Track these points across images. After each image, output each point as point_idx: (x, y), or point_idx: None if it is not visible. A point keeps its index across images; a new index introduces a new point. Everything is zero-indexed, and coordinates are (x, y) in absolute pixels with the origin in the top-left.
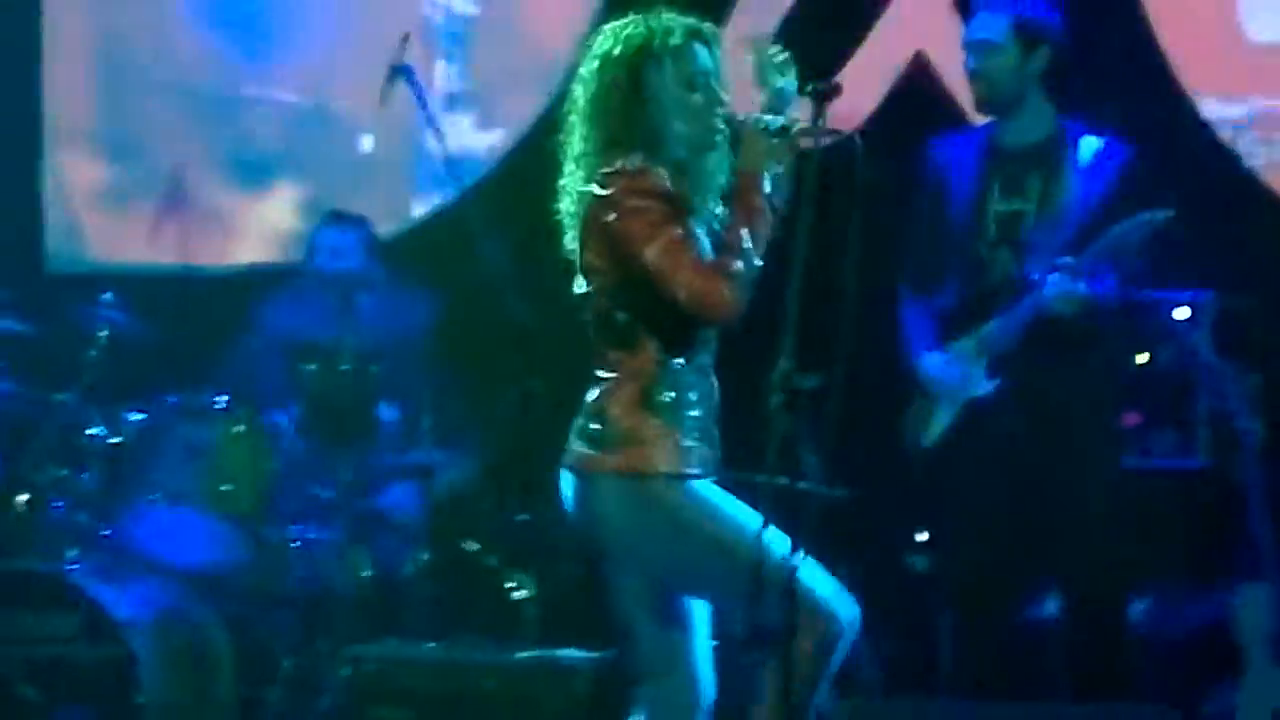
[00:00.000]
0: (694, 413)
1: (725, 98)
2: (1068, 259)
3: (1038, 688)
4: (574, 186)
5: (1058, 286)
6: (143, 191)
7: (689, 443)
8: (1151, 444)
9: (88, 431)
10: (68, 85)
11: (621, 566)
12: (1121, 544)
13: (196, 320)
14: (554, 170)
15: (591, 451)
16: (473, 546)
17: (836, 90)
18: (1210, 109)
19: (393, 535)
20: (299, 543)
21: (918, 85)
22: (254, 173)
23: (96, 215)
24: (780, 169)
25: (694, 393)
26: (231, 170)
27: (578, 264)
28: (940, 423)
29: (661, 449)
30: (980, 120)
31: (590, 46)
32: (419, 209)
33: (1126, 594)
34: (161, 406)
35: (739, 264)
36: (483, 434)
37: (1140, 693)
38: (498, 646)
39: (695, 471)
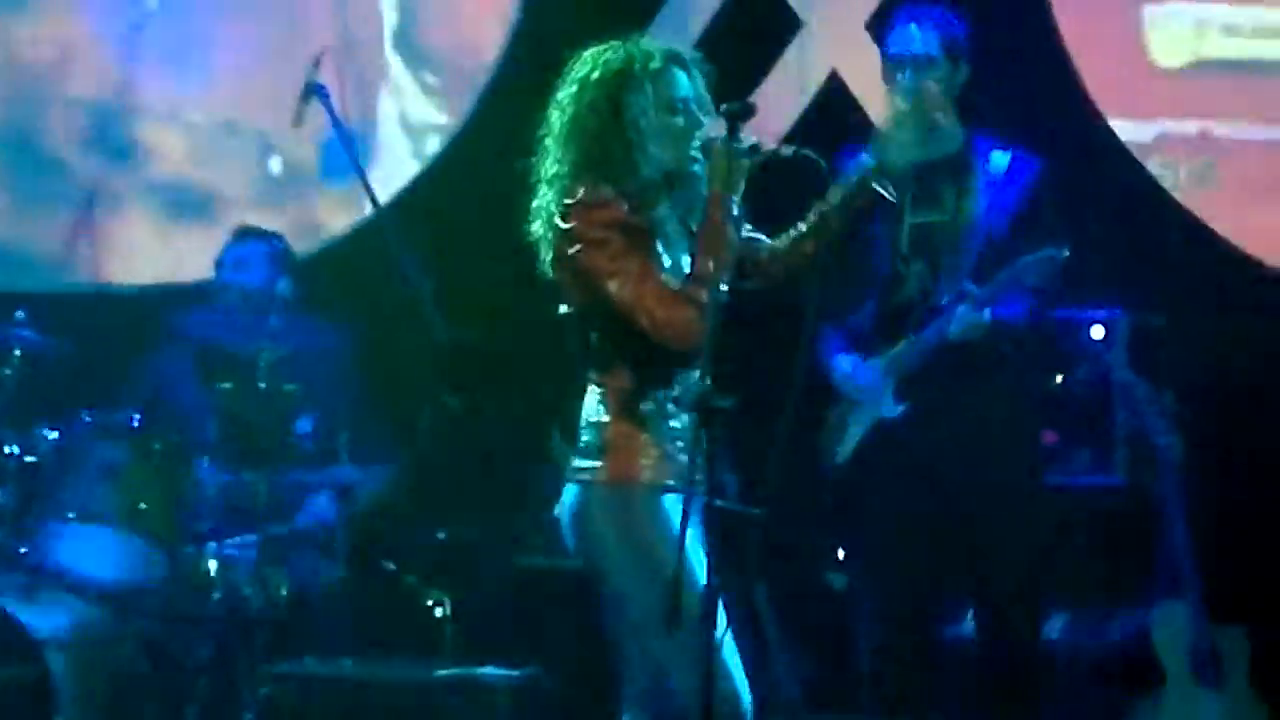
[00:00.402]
0: (674, 423)
1: (706, 122)
2: (972, 288)
3: (956, 705)
4: (546, 208)
5: (963, 318)
6: (52, 211)
7: (670, 450)
8: (1069, 461)
9: (2, 450)
10: None
11: (602, 577)
12: (1039, 561)
13: (110, 338)
14: (469, 188)
15: (581, 461)
16: (390, 565)
17: (751, 110)
18: (1117, 131)
19: (310, 553)
20: (215, 561)
21: (833, 103)
22: (166, 193)
23: (6, 234)
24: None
25: (673, 405)
26: (143, 190)
27: (558, 285)
28: (853, 437)
29: (644, 458)
30: None
31: (568, 71)
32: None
33: (1043, 611)
34: (76, 425)
35: (704, 292)
36: (400, 451)
37: (1059, 709)
38: (417, 664)
39: (673, 484)
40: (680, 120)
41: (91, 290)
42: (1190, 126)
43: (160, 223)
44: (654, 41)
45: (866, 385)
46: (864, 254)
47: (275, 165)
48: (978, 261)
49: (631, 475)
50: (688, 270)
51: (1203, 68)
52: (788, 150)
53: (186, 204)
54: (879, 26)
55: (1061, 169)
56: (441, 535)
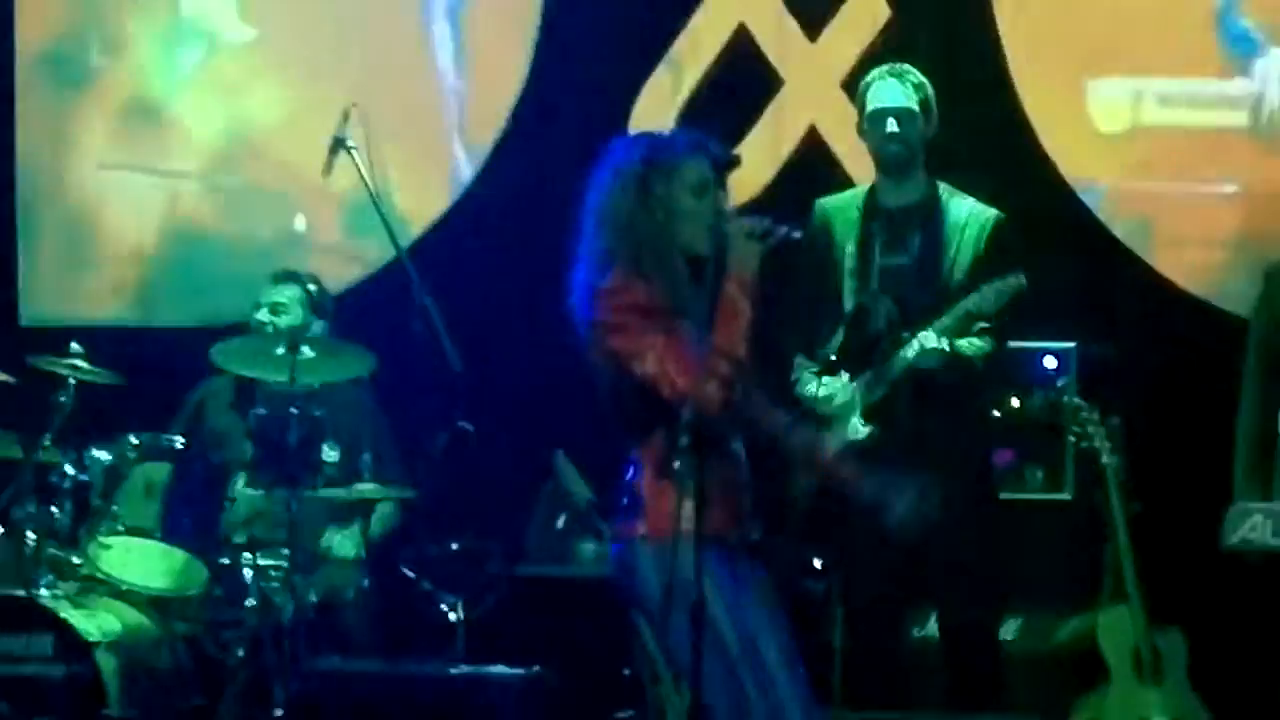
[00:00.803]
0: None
1: (727, 204)
2: (936, 321)
3: (921, 701)
4: (581, 289)
5: (924, 347)
6: (106, 256)
7: (704, 514)
8: (1023, 478)
9: (59, 469)
10: (36, 166)
11: (653, 619)
12: (995, 569)
13: (155, 370)
14: (479, 235)
15: (625, 521)
16: (409, 573)
17: (736, 161)
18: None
19: (336, 563)
20: (250, 570)
21: (811, 155)
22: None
23: (65, 275)
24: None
25: (713, 471)
26: (184, 239)
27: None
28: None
29: (679, 512)
30: (864, 183)
31: (602, 156)
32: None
33: (1000, 614)
34: (124, 447)
35: (724, 363)
36: (417, 471)
37: (1013, 704)
38: (432, 663)
39: (704, 534)
40: (697, 205)
41: (140, 324)
42: (1130, 183)
43: (197, 268)
44: (680, 130)
45: (836, 409)
46: (831, 297)
47: (300, 222)
48: (940, 301)
49: (668, 529)
50: (713, 343)
51: (1140, 132)
52: (797, 233)
53: (219, 253)
54: (855, 85)
55: (1019, 218)
56: (455, 546)
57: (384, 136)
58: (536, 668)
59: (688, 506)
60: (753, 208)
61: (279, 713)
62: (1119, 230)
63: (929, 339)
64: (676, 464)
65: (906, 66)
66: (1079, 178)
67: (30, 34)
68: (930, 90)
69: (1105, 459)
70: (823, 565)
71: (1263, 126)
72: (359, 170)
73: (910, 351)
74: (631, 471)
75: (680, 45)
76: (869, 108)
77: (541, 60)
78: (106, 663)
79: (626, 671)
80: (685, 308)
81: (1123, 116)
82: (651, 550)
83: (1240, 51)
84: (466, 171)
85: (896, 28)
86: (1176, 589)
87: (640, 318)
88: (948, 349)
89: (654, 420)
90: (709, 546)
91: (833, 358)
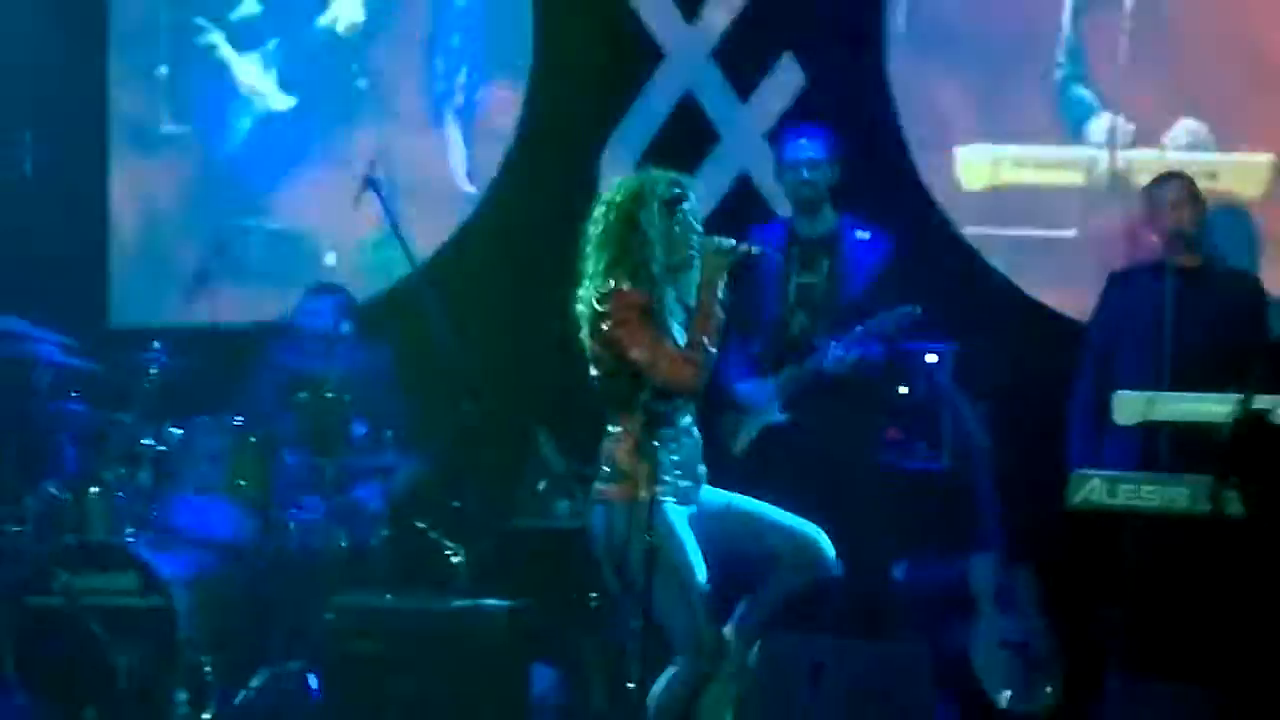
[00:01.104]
0: (675, 457)
1: (699, 229)
2: (847, 334)
3: (828, 627)
4: (588, 297)
5: (835, 355)
6: (178, 273)
7: (668, 478)
8: (909, 451)
9: (141, 441)
10: (123, 205)
11: (627, 565)
12: (887, 523)
13: (220, 361)
14: (484, 258)
15: (603, 485)
16: (420, 525)
17: (684, 197)
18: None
19: (363, 517)
20: (294, 523)
21: (742, 194)
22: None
23: (146, 287)
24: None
25: (674, 443)
26: (240, 266)
27: (588, 352)
28: (747, 436)
29: (647, 482)
30: (784, 215)
31: (601, 194)
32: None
33: (892, 557)
34: (194, 424)
35: (700, 354)
36: (428, 443)
37: (901, 632)
38: (438, 597)
39: (670, 499)
40: (679, 230)
41: (207, 326)
42: (991, 229)
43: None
44: (660, 171)
45: (759, 400)
46: (757, 306)
47: (330, 258)
48: (843, 313)
49: (638, 494)
50: (686, 338)
51: (998, 189)
52: (757, 249)
53: (267, 276)
54: (776, 139)
55: (908, 248)
56: (457, 504)
57: (401, 178)
58: (522, 600)
59: (654, 472)
60: None
61: (317, 638)
62: (987, 261)
63: (839, 350)
64: (652, 442)
65: (816, 126)
66: (953, 221)
67: (118, 102)
68: (834, 146)
69: (975, 437)
70: None
71: (1094, 183)
72: (383, 202)
73: (823, 359)
74: (610, 446)
75: (639, 106)
76: (785, 159)
77: (526, 124)
78: (180, 597)
79: (593, 600)
80: (667, 308)
81: (983, 176)
82: (627, 509)
83: (1076, 116)
84: (467, 209)
85: (811, 93)
86: (1029, 537)
87: (637, 315)
88: (851, 359)
89: (637, 398)
90: (672, 501)
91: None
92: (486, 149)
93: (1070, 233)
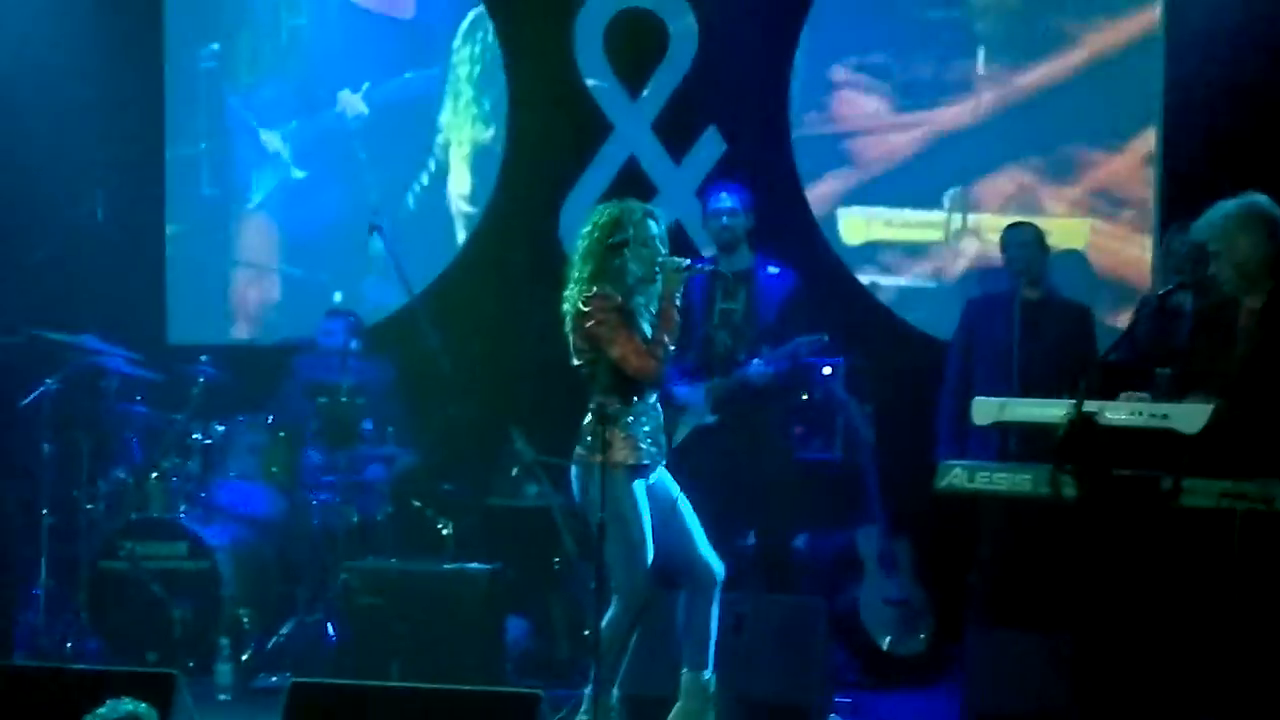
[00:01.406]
0: (645, 428)
1: (664, 250)
2: (768, 352)
3: (743, 586)
4: (574, 298)
5: (756, 370)
6: (225, 302)
7: (641, 446)
8: (809, 445)
9: (191, 436)
10: (178, 244)
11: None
12: (791, 502)
13: (255, 371)
14: (468, 289)
15: (584, 452)
16: (417, 503)
17: (628, 240)
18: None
19: (370, 497)
20: (315, 502)
21: (676, 239)
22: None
23: (196, 312)
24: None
25: (644, 417)
26: (269, 300)
27: (570, 344)
28: (683, 431)
29: (623, 450)
30: (712, 254)
31: (588, 218)
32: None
33: (795, 530)
34: (235, 423)
35: (660, 349)
36: (422, 438)
37: (803, 590)
38: (432, 561)
39: (645, 463)
40: (647, 250)
41: (245, 344)
42: (872, 276)
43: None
44: (636, 202)
45: (693, 403)
46: (689, 326)
47: (337, 296)
48: (758, 334)
49: (613, 460)
50: (651, 336)
51: (874, 244)
52: (709, 266)
53: (290, 310)
54: (703, 193)
55: (811, 283)
56: (447, 486)
57: (399, 223)
58: (497, 564)
59: (628, 447)
60: None
61: (333, 594)
62: (871, 294)
63: (758, 366)
64: (625, 417)
65: (735, 183)
66: (844, 264)
67: (172, 166)
68: (748, 200)
69: (862, 432)
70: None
71: (949, 239)
72: (385, 244)
73: (747, 371)
74: (591, 420)
75: (593, 168)
76: (709, 209)
77: (502, 182)
78: (224, 562)
79: (555, 564)
80: (638, 312)
81: (861, 233)
82: (599, 470)
83: (934, 185)
84: (457, 243)
85: (730, 158)
86: (907, 513)
87: (614, 316)
88: (771, 372)
89: (611, 383)
90: (638, 471)
91: (690, 368)
92: (469, 195)
93: (930, 272)
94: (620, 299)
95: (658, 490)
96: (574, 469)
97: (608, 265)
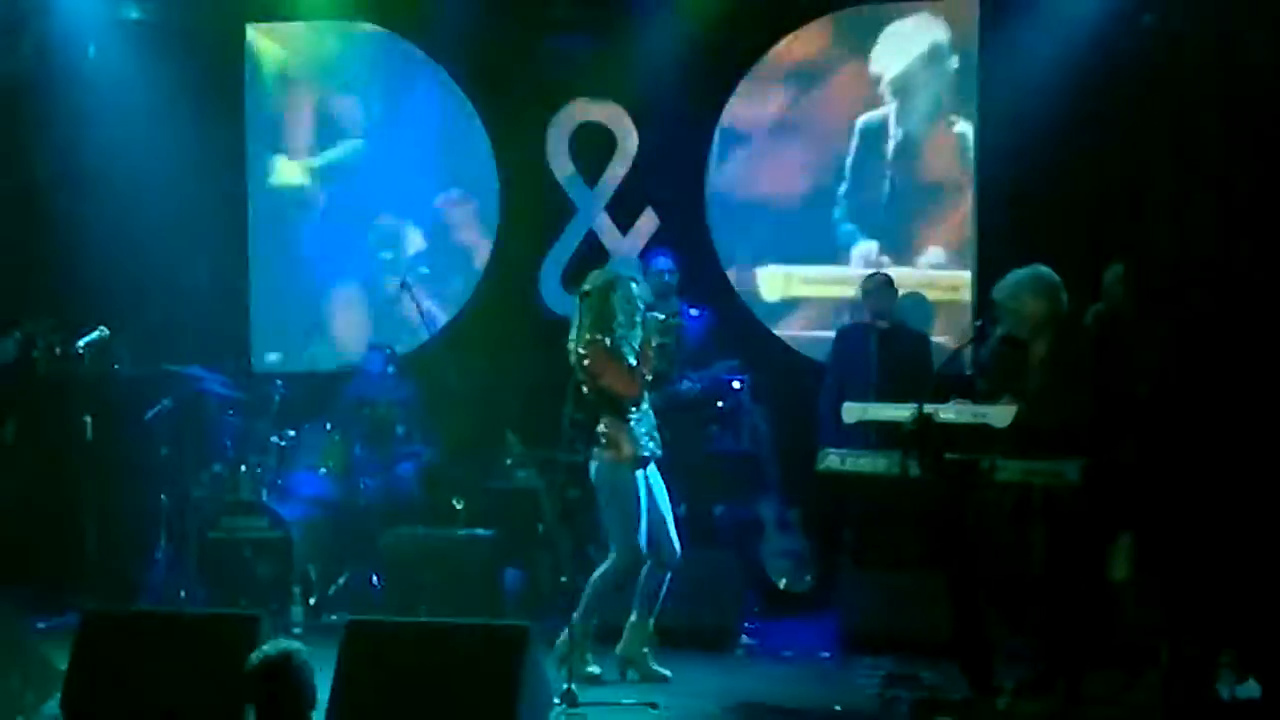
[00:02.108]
0: (642, 429)
1: (641, 306)
2: (691, 374)
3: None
4: (575, 345)
5: (685, 386)
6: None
7: (640, 441)
8: (723, 439)
9: (271, 439)
10: (258, 307)
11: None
12: (711, 481)
13: (318, 392)
14: (473, 329)
15: (598, 449)
16: (437, 487)
17: (589, 293)
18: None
19: (403, 482)
20: (362, 486)
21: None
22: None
23: (275, 346)
24: (661, 338)
25: (642, 419)
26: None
27: (577, 375)
28: None
29: (627, 447)
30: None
31: (586, 281)
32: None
33: (714, 504)
34: (302, 428)
35: (640, 379)
36: (441, 438)
37: (720, 545)
38: (449, 529)
39: (644, 454)
40: (633, 306)
41: (308, 370)
42: (787, 330)
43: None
44: (624, 269)
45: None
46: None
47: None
48: (684, 360)
49: (621, 455)
50: (634, 367)
51: (791, 299)
52: (675, 320)
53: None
54: (644, 256)
55: (732, 335)
56: (459, 473)
57: (424, 280)
58: (495, 531)
59: (631, 438)
60: None
61: (379, 555)
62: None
63: (688, 383)
64: (622, 424)
65: (667, 249)
66: (753, 311)
67: (253, 233)
68: (678, 262)
69: (762, 430)
70: None
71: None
72: (414, 299)
73: (680, 387)
74: (601, 427)
75: (562, 240)
76: (650, 269)
77: (495, 253)
78: (295, 531)
79: (540, 529)
80: (626, 350)
81: (779, 289)
82: (608, 468)
83: (845, 243)
84: (463, 296)
85: (663, 231)
86: (797, 488)
87: (604, 355)
88: (698, 388)
89: (608, 402)
90: (640, 462)
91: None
92: (468, 259)
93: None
94: (608, 341)
95: (650, 481)
96: (593, 464)
97: (601, 318)
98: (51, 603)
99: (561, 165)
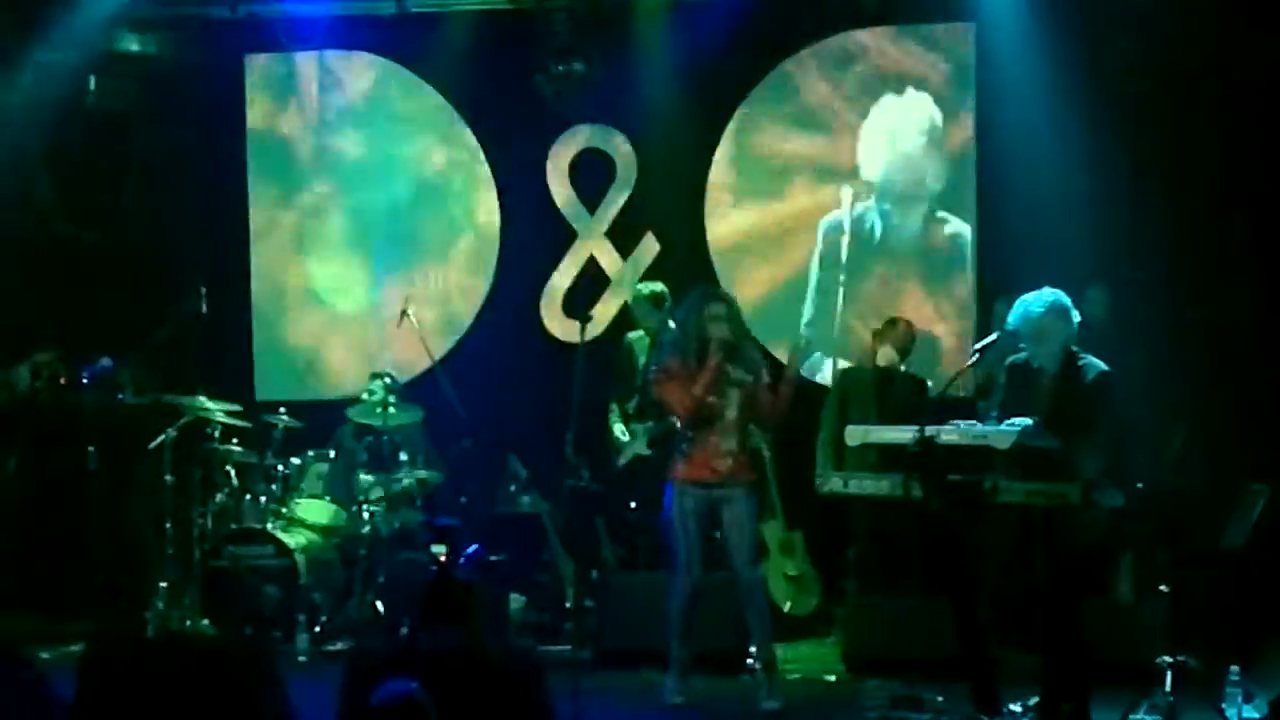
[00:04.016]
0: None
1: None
2: None
3: (655, 565)
4: (646, 367)
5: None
6: (296, 369)
7: (686, 464)
8: None
9: (275, 468)
10: (260, 340)
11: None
12: None
13: (325, 420)
14: (473, 355)
15: (670, 470)
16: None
17: (589, 318)
18: None
19: (406, 509)
20: (368, 514)
21: (623, 316)
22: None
23: (275, 376)
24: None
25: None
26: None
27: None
28: (626, 457)
29: (675, 466)
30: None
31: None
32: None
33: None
34: (306, 456)
35: (699, 397)
36: (443, 464)
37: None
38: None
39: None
40: (699, 329)
41: (311, 399)
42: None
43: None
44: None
45: (632, 439)
46: (635, 378)
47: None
48: None
49: (680, 476)
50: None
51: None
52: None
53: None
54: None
55: None
56: (463, 499)
57: (426, 307)
58: (502, 555)
59: (683, 466)
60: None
61: (381, 581)
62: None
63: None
64: (683, 445)
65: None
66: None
67: (256, 266)
68: (669, 291)
69: (764, 453)
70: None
71: None
72: (414, 323)
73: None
74: (675, 449)
75: (562, 265)
76: (643, 293)
77: (497, 279)
78: (300, 559)
79: (544, 556)
80: (689, 372)
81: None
82: (676, 488)
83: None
84: (465, 322)
85: (662, 256)
86: (799, 511)
87: (671, 378)
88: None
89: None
90: (693, 485)
91: (630, 412)
92: (469, 290)
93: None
94: (683, 363)
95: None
96: (667, 486)
97: (676, 342)
98: (56, 632)
99: (562, 191)
